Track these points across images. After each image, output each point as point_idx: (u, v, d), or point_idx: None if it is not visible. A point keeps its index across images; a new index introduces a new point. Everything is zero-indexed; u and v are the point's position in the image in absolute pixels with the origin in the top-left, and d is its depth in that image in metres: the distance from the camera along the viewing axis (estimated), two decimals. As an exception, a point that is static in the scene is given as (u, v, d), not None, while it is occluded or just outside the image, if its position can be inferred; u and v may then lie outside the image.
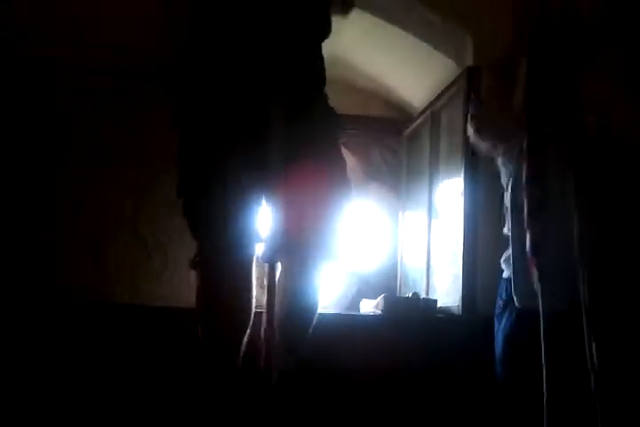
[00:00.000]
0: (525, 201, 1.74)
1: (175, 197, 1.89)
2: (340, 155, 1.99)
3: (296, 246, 1.86)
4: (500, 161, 2.09)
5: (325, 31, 2.02)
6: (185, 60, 1.95)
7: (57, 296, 2.17)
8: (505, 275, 2.02)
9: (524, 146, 1.79)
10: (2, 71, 2.25)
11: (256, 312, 1.91)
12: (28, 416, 2.03)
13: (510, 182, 1.97)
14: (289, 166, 1.81)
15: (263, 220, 1.90)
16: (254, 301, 1.91)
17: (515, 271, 1.89)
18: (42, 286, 2.19)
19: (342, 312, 3.03)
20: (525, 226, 1.77)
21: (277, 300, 1.87)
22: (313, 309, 1.94)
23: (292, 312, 1.88)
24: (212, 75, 1.89)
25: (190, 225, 1.89)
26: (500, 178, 2.11)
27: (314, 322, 1.94)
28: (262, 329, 1.84)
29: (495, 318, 2.02)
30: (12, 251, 2.20)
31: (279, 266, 1.90)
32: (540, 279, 1.71)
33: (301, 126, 1.85)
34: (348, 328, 2.36)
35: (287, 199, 1.79)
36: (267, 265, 1.92)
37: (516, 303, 1.87)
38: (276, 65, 1.86)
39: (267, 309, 1.83)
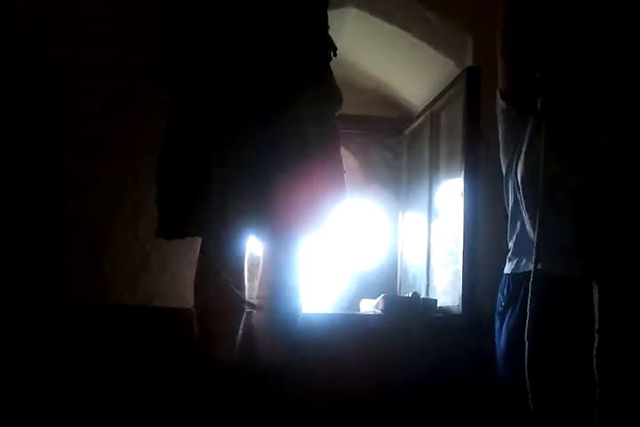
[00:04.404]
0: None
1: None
2: (336, 131, 1.99)
3: (285, 225, 1.86)
4: (501, 137, 2.08)
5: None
6: (180, 49, 1.96)
7: (56, 297, 2.17)
8: (506, 270, 2.02)
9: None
10: (1, 71, 2.25)
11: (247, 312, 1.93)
12: (29, 418, 2.03)
13: (517, 159, 1.96)
14: (282, 151, 1.82)
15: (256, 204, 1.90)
16: (246, 294, 1.93)
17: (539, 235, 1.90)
18: (41, 288, 2.18)
19: (342, 312, 3.03)
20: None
21: (262, 289, 1.90)
22: (296, 288, 1.94)
23: (275, 293, 1.90)
24: (208, 57, 1.90)
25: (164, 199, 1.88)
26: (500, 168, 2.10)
27: (300, 305, 1.94)
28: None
29: (497, 316, 2.01)
30: (10, 252, 2.20)
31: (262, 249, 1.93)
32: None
33: (297, 102, 1.87)
34: (348, 328, 2.37)
35: (280, 174, 1.80)
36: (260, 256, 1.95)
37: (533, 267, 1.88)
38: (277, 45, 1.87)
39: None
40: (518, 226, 1.99)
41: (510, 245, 2.04)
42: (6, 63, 2.26)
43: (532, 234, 1.90)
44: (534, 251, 1.82)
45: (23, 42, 2.28)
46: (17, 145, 2.26)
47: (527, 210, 1.92)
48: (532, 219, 1.90)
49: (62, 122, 2.30)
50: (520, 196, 1.95)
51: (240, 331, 1.91)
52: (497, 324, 2.00)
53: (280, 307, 1.90)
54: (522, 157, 1.94)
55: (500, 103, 2.02)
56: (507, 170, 2.03)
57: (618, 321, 1.77)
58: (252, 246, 1.99)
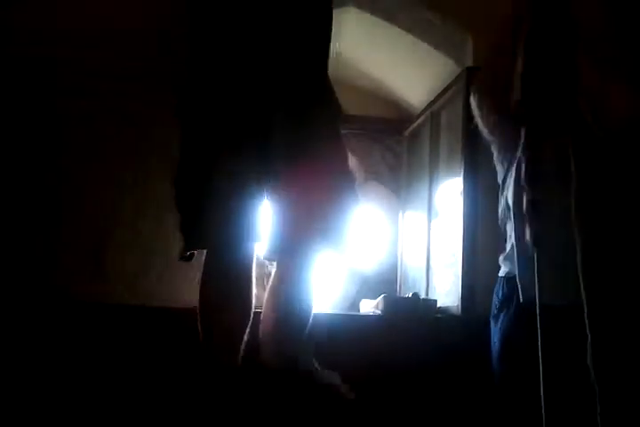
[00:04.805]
0: (524, 199, 1.74)
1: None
2: (342, 145, 1.99)
3: (298, 242, 1.86)
4: (495, 158, 2.10)
5: (328, 24, 2.02)
6: (189, 53, 1.95)
7: (57, 297, 2.17)
8: (501, 273, 2.03)
9: (521, 143, 1.79)
10: (1, 71, 2.25)
11: (256, 312, 1.92)
12: (29, 418, 2.03)
13: (509, 180, 1.98)
14: (290, 160, 1.82)
15: (263, 216, 1.90)
16: (254, 300, 1.92)
17: (519, 266, 1.88)
18: (41, 287, 2.18)
19: (342, 312, 3.03)
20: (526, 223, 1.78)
21: (271, 300, 1.88)
22: (308, 309, 1.93)
23: (287, 312, 1.88)
24: (214, 67, 1.89)
25: (185, 219, 1.88)
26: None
27: (309, 322, 1.93)
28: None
29: (491, 318, 2.02)
30: (11, 252, 2.20)
31: (274, 265, 1.92)
32: (540, 273, 1.70)
33: (302, 118, 1.86)
34: (348, 328, 2.37)
35: (289, 193, 1.80)
36: (269, 264, 1.94)
37: (520, 298, 1.87)
38: (277, 56, 1.87)
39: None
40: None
41: (505, 250, 2.05)
42: (6, 63, 2.26)
43: (515, 253, 1.91)
44: (536, 283, 1.80)
45: (23, 42, 2.28)
46: (17, 145, 2.26)
47: (514, 231, 1.93)
48: (516, 240, 1.90)
49: (62, 122, 2.30)
50: (510, 215, 1.96)
51: (246, 334, 1.90)
52: (492, 325, 2.00)
53: (289, 316, 1.89)
54: (511, 180, 1.95)
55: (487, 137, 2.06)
56: (501, 186, 2.04)
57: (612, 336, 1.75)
58: (260, 252, 1.98)
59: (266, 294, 1.93)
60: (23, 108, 2.28)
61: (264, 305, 1.92)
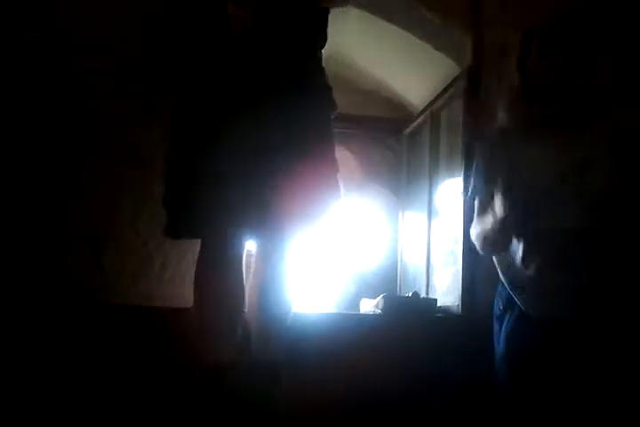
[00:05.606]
0: None
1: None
2: (330, 131, 2.00)
3: (280, 220, 1.87)
4: None
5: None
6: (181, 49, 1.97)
7: (56, 297, 2.17)
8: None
9: None
10: (1, 71, 2.25)
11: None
12: (29, 418, 2.03)
13: None
14: (280, 142, 1.83)
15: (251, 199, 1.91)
16: (246, 288, 1.93)
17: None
18: (41, 288, 2.19)
19: (342, 312, 3.04)
20: None
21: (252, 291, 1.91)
22: (285, 287, 1.94)
23: (265, 293, 1.90)
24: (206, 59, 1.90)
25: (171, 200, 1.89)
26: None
27: (290, 304, 1.95)
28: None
29: (495, 320, 2.01)
30: (11, 252, 2.20)
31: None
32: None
33: (293, 102, 1.88)
34: (348, 328, 2.37)
35: (276, 174, 1.81)
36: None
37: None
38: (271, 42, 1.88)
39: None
40: None
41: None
42: (6, 63, 2.26)
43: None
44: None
45: (23, 42, 2.28)
46: (17, 145, 2.26)
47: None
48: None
49: (62, 122, 2.30)
50: None
51: (239, 329, 1.91)
52: (496, 327, 2.00)
53: (269, 306, 1.91)
54: None
55: None
56: None
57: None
58: (250, 245, 2.00)
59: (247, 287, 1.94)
60: (23, 107, 2.28)
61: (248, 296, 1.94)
